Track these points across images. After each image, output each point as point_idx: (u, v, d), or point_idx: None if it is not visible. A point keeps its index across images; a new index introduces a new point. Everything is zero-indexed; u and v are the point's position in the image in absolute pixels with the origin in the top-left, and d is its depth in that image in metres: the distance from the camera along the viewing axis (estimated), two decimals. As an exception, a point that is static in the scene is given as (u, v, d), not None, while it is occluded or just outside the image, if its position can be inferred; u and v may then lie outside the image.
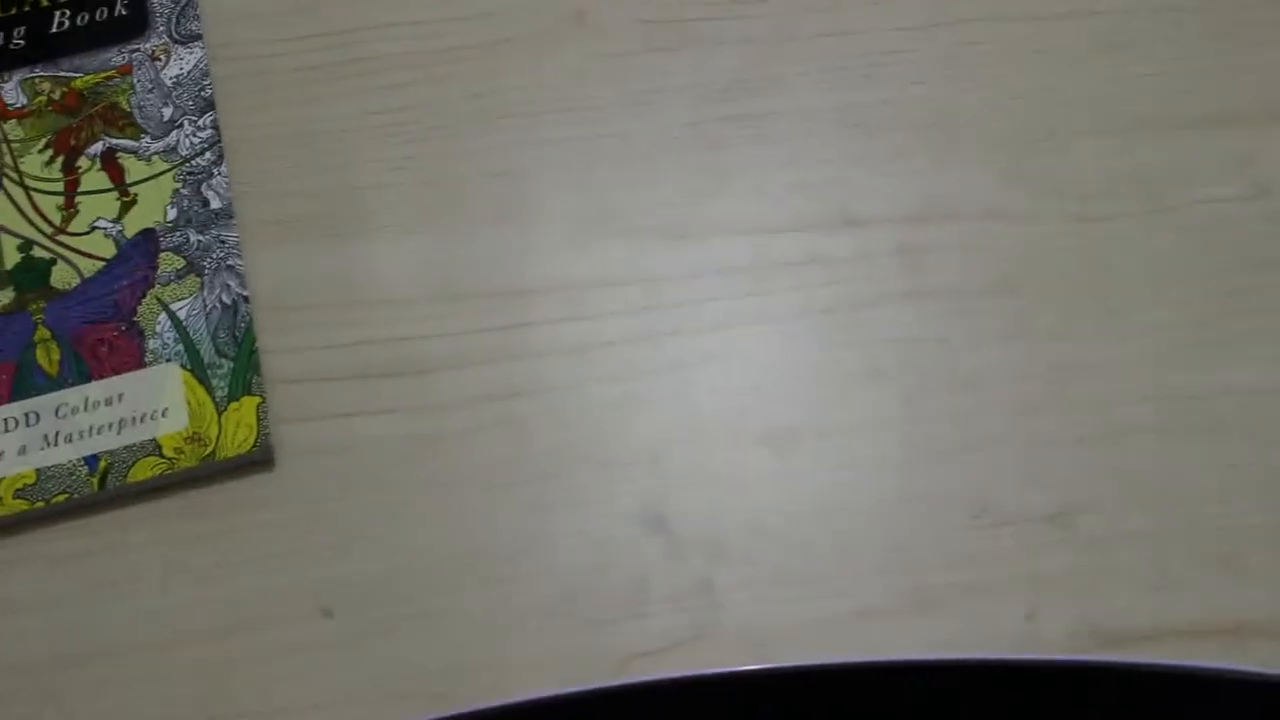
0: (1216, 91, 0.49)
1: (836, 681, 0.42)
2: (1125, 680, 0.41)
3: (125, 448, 0.44)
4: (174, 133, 0.48)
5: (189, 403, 0.44)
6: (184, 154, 0.48)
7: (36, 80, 0.49)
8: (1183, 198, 0.47)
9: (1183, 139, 0.48)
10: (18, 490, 0.43)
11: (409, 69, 0.50)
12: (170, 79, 0.49)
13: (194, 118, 0.48)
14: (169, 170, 0.47)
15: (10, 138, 0.48)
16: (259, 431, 0.44)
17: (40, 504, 0.43)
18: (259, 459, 0.44)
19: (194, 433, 0.44)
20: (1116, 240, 0.47)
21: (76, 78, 0.49)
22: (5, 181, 0.48)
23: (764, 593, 0.42)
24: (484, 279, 0.47)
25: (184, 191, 0.47)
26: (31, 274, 0.46)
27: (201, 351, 0.45)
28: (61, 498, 0.43)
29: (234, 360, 0.45)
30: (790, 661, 0.41)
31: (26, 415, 0.44)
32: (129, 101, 0.49)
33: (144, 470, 0.43)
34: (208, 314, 0.45)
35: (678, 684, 0.41)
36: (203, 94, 0.49)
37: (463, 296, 0.47)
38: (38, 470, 0.44)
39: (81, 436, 0.44)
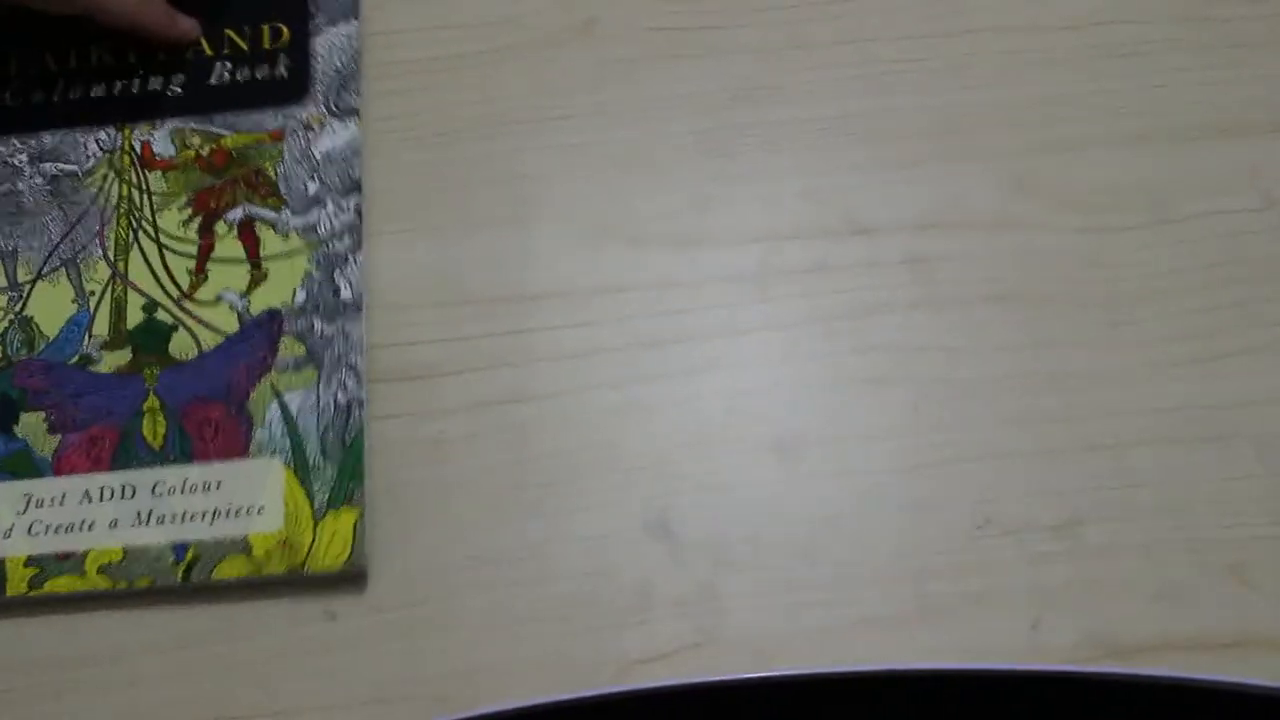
0: (1224, 103, 0.48)
1: (839, 690, 0.42)
2: (1129, 691, 0.41)
3: (215, 541, 0.42)
4: (316, 210, 0.46)
5: (287, 504, 0.42)
6: (322, 235, 0.46)
7: (187, 133, 0.48)
8: (1190, 209, 0.47)
9: (1191, 150, 0.48)
10: (102, 566, 0.42)
11: (416, 74, 0.50)
12: (321, 152, 0.47)
13: (339, 197, 0.46)
14: (305, 250, 0.46)
15: (152, 189, 0.47)
16: (353, 548, 0.42)
17: (123, 584, 0.42)
18: (350, 577, 0.42)
19: (287, 538, 0.42)
20: (1124, 251, 0.46)
21: (227, 136, 0.48)
22: (141, 235, 0.46)
23: (767, 600, 0.42)
24: (490, 284, 0.46)
25: (316, 275, 0.45)
26: (151, 337, 0.45)
27: (307, 451, 0.43)
28: (144, 582, 0.42)
29: (339, 466, 0.43)
30: (793, 669, 0.41)
31: (124, 487, 0.43)
32: (275, 170, 0.47)
33: (230, 568, 0.42)
34: (320, 411, 0.43)
35: (680, 690, 0.41)
36: (351, 173, 0.47)
37: (468, 301, 0.46)
38: (125, 548, 0.42)
39: (174, 520, 0.42)
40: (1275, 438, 0.43)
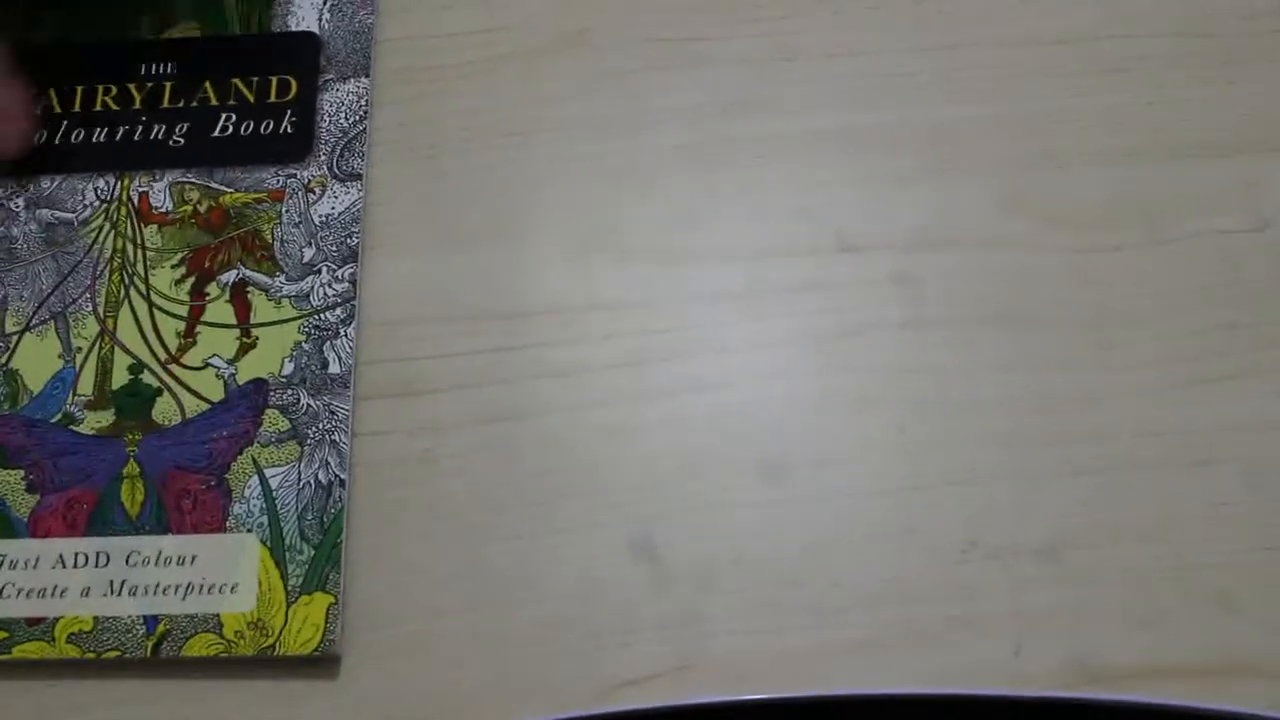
0: (1219, 120, 0.48)
1: (822, 714, 0.42)
2: (1111, 718, 0.41)
3: (187, 616, 0.41)
4: (310, 278, 0.45)
5: (261, 584, 0.41)
6: (315, 304, 0.45)
7: (187, 187, 0.47)
8: (1183, 228, 0.46)
9: (1184, 168, 0.47)
10: (72, 634, 0.41)
11: (405, 85, 0.49)
12: (319, 216, 0.46)
13: (334, 266, 0.45)
14: (296, 319, 0.45)
15: (148, 244, 0.46)
16: (324, 633, 0.41)
17: (91, 655, 0.41)
18: (321, 661, 0.41)
19: (259, 619, 0.41)
20: (1115, 271, 0.46)
21: (227, 193, 0.47)
22: (133, 292, 0.45)
23: (751, 623, 0.42)
24: (476, 300, 0.46)
25: (306, 346, 0.44)
26: (135, 400, 0.44)
27: (285, 530, 0.42)
28: (113, 654, 0.41)
29: (316, 549, 0.42)
30: (776, 693, 0.41)
31: (98, 554, 0.42)
32: (273, 232, 0.46)
33: (200, 646, 0.41)
34: (300, 489, 0.42)
35: (662, 714, 0.41)
36: (349, 241, 0.46)
37: (454, 318, 0.46)
38: (96, 618, 0.42)
39: (146, 592, 0.42)
40: (1263, 463, 0.43)
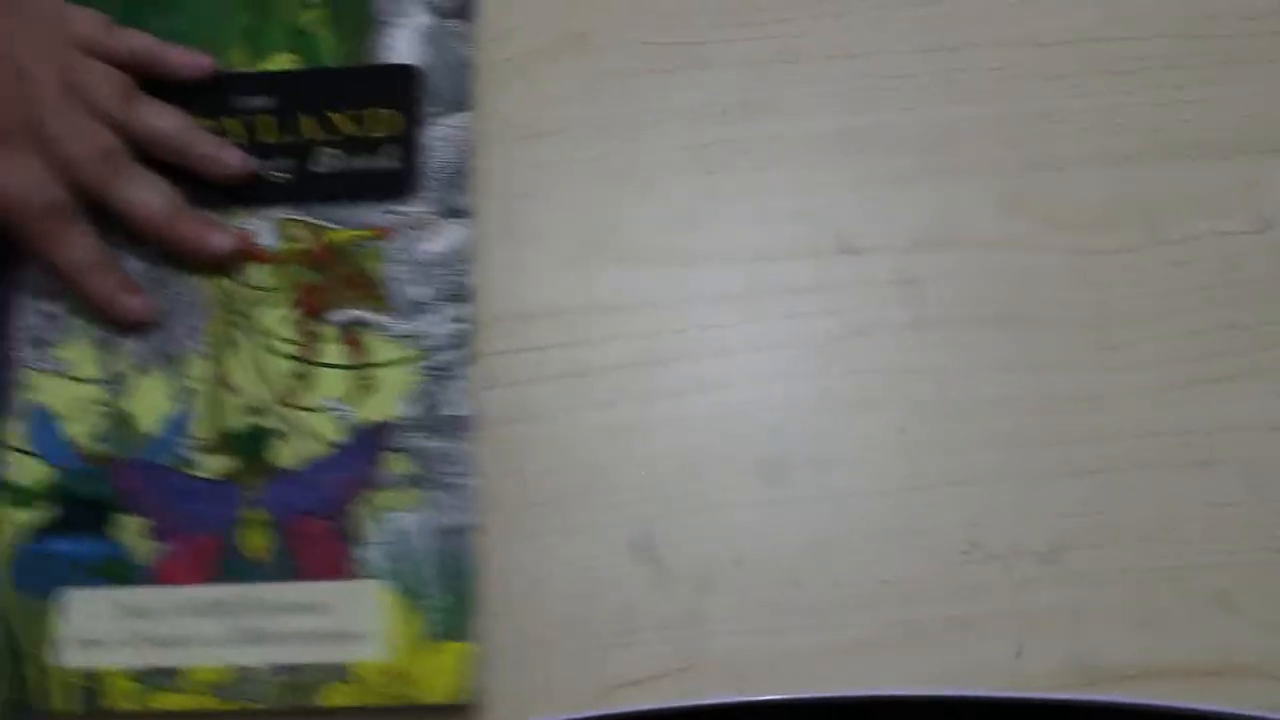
0: (1221, 121, 0.48)
1: (823, 715, 0.42)
2: (1113, 719, 0.41)
3: (319, 665, 0.41)
4: (423, 318, 0.45)
5: (394, 632, 0.42)
6: (429, 345, 0.45)
7: (291, 224, 0.46)
8: (1185, 229, 0.46)
9: (1185, 169, 0.47)
10: (205, 685, 0.42)
11: None
12: (429, 255, 0.46)
13: (446, 305, 0.45)
14: (412, 360, 0.44)
15: (254, 284, 0.45)
16: (462, 680, 0.41)
17: (226, 705, 0.41)
18: (461, 708, 0.42)
19: (394, 666, 0.41)
20: (1115, 271, 0.46)
21: (332, 230, 0.46)
22: (241, 333, 0.45)
23: (751, 624, 0.42)
24: (478, 302, 0.46)
25: (423, 388, 0.44)
26: (252, 443, 0.44)
27: (416, 576, 0.42)
28: (248, 705, 0.41)
29: (449, 595, 0.42)
30: (777, 694, 0.41)
31: (227, 602, 0.42)
32: (382, 271, 0.45)
33: (335, 696, 0.41)
34: (429, 535, 0.42)
35: (663, 715, 0.41)
36: (460, 280, 0.45)
37: None
38: (229, 667, 0.42)
39: (277, 641, 0.42)
40: (1264, 463, 0.43)
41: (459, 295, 0.45)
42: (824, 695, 0.41)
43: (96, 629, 0.42)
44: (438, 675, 0.41)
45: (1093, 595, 0.42)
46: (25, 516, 0.43)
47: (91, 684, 0.41)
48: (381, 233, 0.46)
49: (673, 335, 0.45)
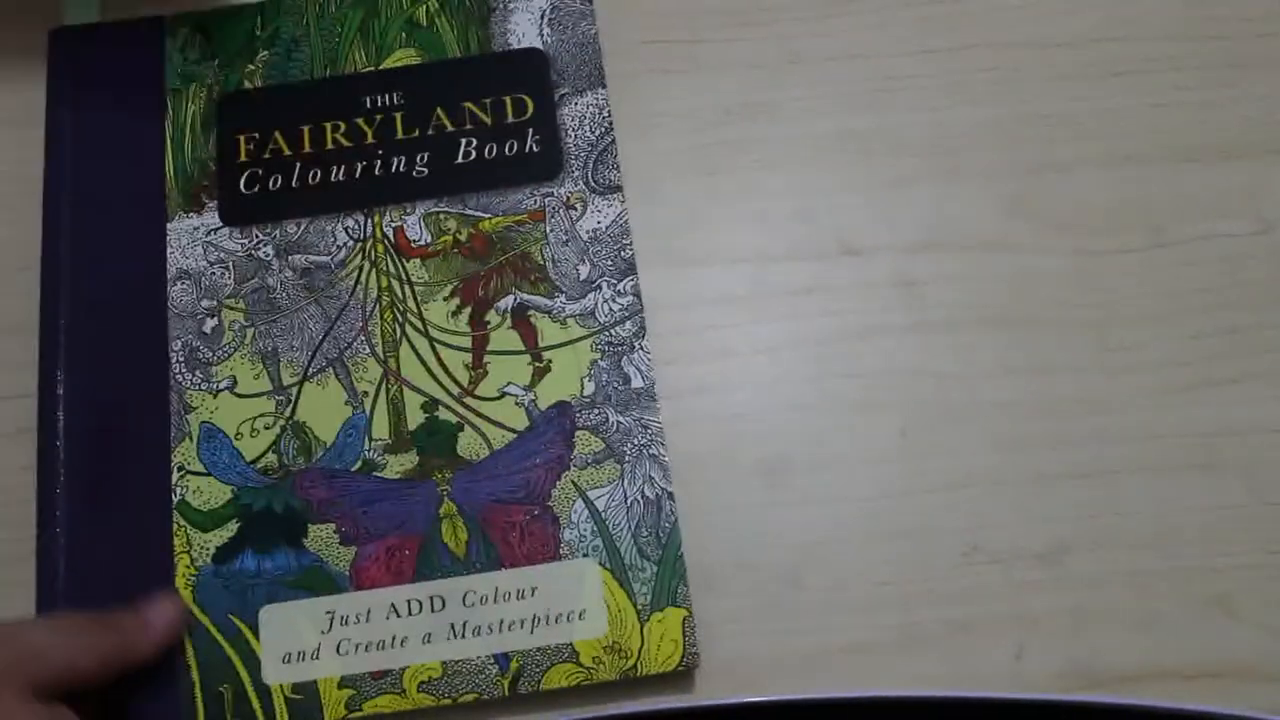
0: (1222, 124, 0.48)
1: (823, 715, 0.42)
2: None
3: (539, 649, 0.41)
4: (591, 295, 0.45)
5: (609, 607, 0.41)
6: (602, 321, 0.44)
7: (441, 216, 0.46)
8: (1186, 232, 0.46)
9: (1187, 172, 0.47)
10: (422, 683, 0.41)
11: None
12: (586, 233, 0.45)
13: (613, 280, 0.45)
14: (586, 337, 0.44)
15: (414, 279, 0.45)
16: (684, 647, 0.41)
17: (447, 701, 0.40)
18: (681, 675, 0.41)
19: (614, 642, 0.41)
20: (1117, 274, 0.46)
21: (484, 218, 0.46)
22: (409, 329, 0.44)
23: (752, 625, 0.42)
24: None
25: (603, 364, 0.44)
26: (436, 438, 0.43)
27: (622, 550, 0.42)
28: (470, 697, 0.41)
29: (658, 565, 0.41)
30: (777, 695, 0.41)
31: (432, 599, 0.41)
32: (542, 253, 0.45)
33: (559, 677, 0.41)
34: (628, 508, 0.42)
35: (664, 716, 0.41)
36: (623, 255, 0.45)
37: None
38: (444, 664, 0.41)
39: (491, 631, 0.41)
40: (1264, 467, 0.43)
41: (623, 269, 0.45)
42: (823, 695, 0.41)
43: (303, 641, 0.41)
44: (657, 646, 0.41)
45: (1093, 597, 0.42)
46: (210, 538, 0.42)
47: (303, 697, 0.40)
48: (535, 216, 0.46)
49: (674, 337, 0.45)
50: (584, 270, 0.45)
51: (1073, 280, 0.46)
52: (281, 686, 0.40)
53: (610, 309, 0.44)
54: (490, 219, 0.46)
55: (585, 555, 0.42)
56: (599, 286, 0.45)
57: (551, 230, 0.45)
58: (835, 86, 0.48)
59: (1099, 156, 0.47)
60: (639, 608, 0.41)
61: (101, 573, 0.41)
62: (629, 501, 0.42)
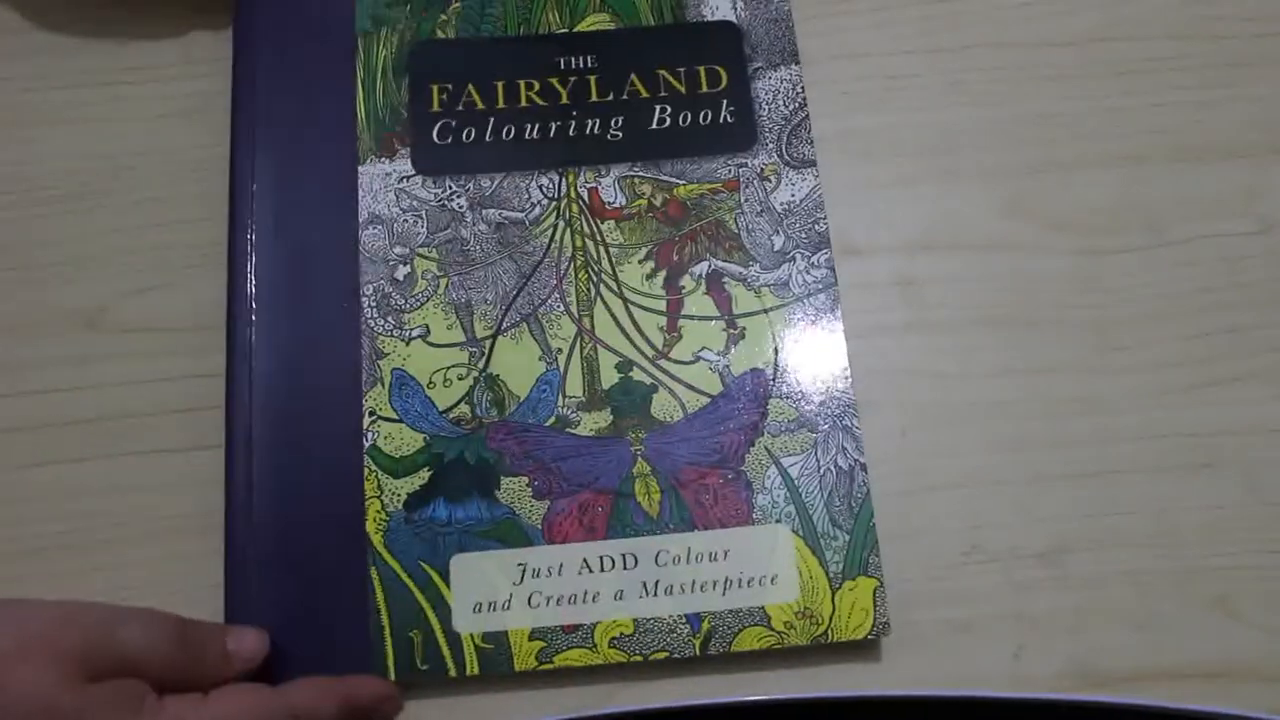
0: (1223, 123, 0.48)
1: (823, 715, 0.42)
2: None
3: (731, 612, 0.41)
4: (785, 266, 0.45)
5: (801, 573, 0.41)
6: (796, 292, 0.45)
7: (636, 180, 0.46)
8: (1187, 231, 0.46)
9: (1187, 171, 0.47)
10: (614, 639, 0.41)
11: None
12: (780, 205, 0.46)
13: (807, 253, 0.45)
14: (780, 307, 0.44)
15: (608, 240, 0.45)
16: (874, 617, 0.41)
17: (638, 658, 0.41)
18: (870, 644, 0.42)
19: (806, 608, 0.41)
20: (1117, 274, 0.46)
21: (679, 185, 0.46)
22: (604, 290, 0.45)
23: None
24: None
25: (795, 334, 0.44)
26: (630, 398, 0.43)
27: (815, 518, 0.42)
28: (661, 655, 0.41)
29: (850, 534, 0.42)
30: (776, 694, 0.41)
31: (624, 556, 0.42)
32: (736, 222, 0.45)
33: (750, 640, 0.41)
34: (821, 477, 0.42)
35: (663, 715, 0.41)
36: (817, 228, 0.45)
37: None
38: (635, 620, 0.41)
39: (683, 590, 0.41)
40: (1264, 466, 0.43)
41: (817, 243, 0.45)
42: (823, 695, 0.41)
43: (494, 591, 0.41)
44: (848, 613, 0.41)
45: (1092, 597, 0.42)
46: (401, 484, 0.42)
47: (494, 647, 0.40)
48: (730, 185, 0.46)
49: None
50: (778, 241, 0.45)
51: (1073, 280, 0.46)
52: (472, 636, 0.40)
53: (804, 280, 0.45)
54: (685, 185, 0.46)
55: (778, 521, 0.42)
56: (793, 258, 0.45)
57: (746, 200, 0.46)
58: (835, 86, 0.49)
59: (1099, 156, 0.47)
60: (830, 575, 0.41)
61: (292, 521, 0.41)
62: (821, 470, 0.43)
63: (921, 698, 0.41)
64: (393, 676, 0.40)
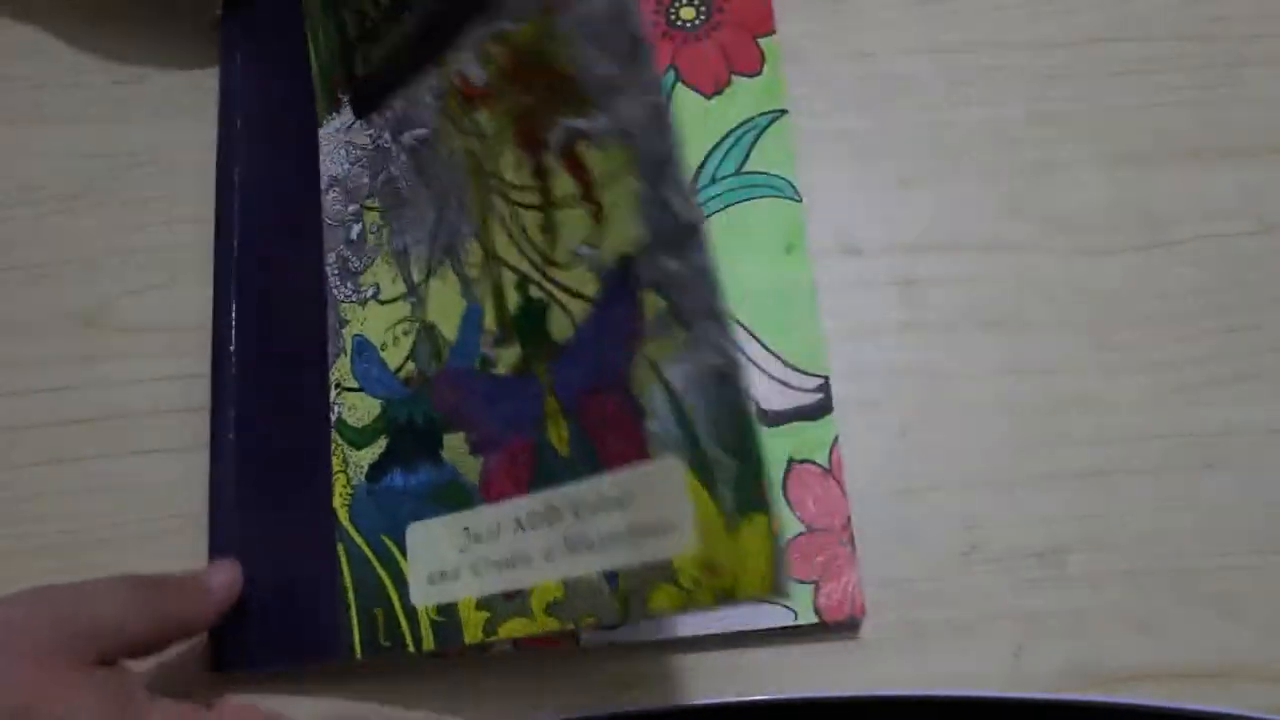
0: (1222, 123, 0.47)
1: (823, 715, 0.42)
2: None
3: (643, 566, 0.33)
4: (618, 100, 0.33)
5: (697, 516, 0.32)
6: (635, 139, 0.33)
7: (488, 45, 0.37)
8: (1187, 231, 0.45)
9: (1188, 171, 0.46)
10: (549, 604, 0.36)
11: None
12: (596, 13, 0.33)
13: (632, 73, 0.32)
14: (626, 163, 0.33)
15: (485, 132, 0.37)
16: (773, 564, 0.30)
17: (570, 625, 0.35)
18: (777, 598, 0.31)
19: (707, 559, 0.31)
20: (1118, 274, 0.45)
21: (512, 30, 0.36)
22: (494, 197, 0.37)
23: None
24: None
25: (645, 196, 0.32)
26: (531, 321, 0.36)
27: (698, 441, 0.32)
28: (589, 620, 0.35)
29: (738, 459, 0.31)
30: (775, 695, 0.40)
31: (548, 509, 0.36)
32: (567, 55, 0.34)
33: (662, 599, 0.33)
34: (703, 385, 0.31)
35: (663, 715, 0.40)
36: (635, 35, 0.32)
37: None
38: (565, 583, 0.35)
39: (601, 546, 0.34)
40: (1264, 467, 0.42)
41: (639, 56, 0.32)
42: (822, 695, 0.40)
43: (444, 560, 0.38)
44: (747, 563, 0.31)
45: (1092, 597, 0.41)
46: (363, 455, 0.40)
47: (447, 619, 0.38)
48: (548, 8, 0.34)
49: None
50: (604, 68, 0.33)
51: (1072, 280, 0.45)
52: (427, 609, 0.39)
53: (637, 117, 0.32)
54: (518, 29, 0.36)
55: (669, 452, 0.33)
56: (621, 87, 0.33)
57: (565, 22, 0.34)
58: (835, 85, 0.47)
59: (1098, 157, 0.47)
60: (727, 515, 0.31)
61: (268, 499, 0.42)
62: (700, 378, 0.32)
63: (921, 697, 0.41)
64: (359, 655, 0.40)
